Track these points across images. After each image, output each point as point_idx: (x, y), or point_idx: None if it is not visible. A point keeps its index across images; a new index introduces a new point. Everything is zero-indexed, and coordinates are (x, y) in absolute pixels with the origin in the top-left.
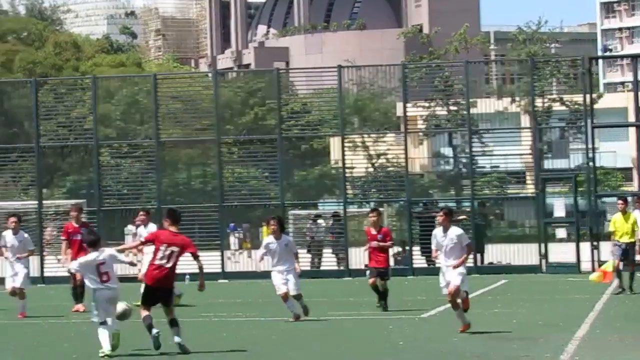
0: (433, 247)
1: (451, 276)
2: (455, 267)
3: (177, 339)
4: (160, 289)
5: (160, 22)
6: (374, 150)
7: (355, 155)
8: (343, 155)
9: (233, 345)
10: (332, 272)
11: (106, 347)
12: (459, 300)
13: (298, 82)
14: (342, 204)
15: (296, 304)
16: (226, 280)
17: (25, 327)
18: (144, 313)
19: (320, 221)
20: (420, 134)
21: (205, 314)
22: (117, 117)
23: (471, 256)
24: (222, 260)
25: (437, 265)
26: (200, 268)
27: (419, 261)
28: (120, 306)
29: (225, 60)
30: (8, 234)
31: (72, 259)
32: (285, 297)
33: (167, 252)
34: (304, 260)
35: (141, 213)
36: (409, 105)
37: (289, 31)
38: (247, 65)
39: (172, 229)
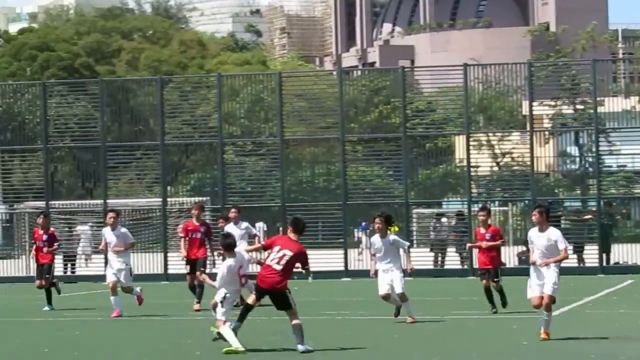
0: (530, 247)
1: (547, 281)
2: (545, 264)
3: (300, 348)
4: (269, 291)
5: (286, 20)
6: (499, 148)
7: (480, 154)
8: (468, 153)
9: (356, 343)
10: (455, 271)
11: (235, 343)
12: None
13: (423, 80)
14: (466, 202)
15: (398, 300)
16: (349, 279)
17: (149, 324)
18: (250, 299)
19: (443, 220)
20: (546, 132)
21: (328, 312)
22: (242, 115)
23: (595, 255)
24: (346, 258)
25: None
26: (307, 270)
27: None
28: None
29: (350, 59)
30: (107, 230)
31: (188, 257)
32: (387, 297)
33: (279, 255)
34: (427, 259)
35: (233, 210)
36: (535, 103)
37: (414, 29)
38: (372, 64)
39: (292, 236)
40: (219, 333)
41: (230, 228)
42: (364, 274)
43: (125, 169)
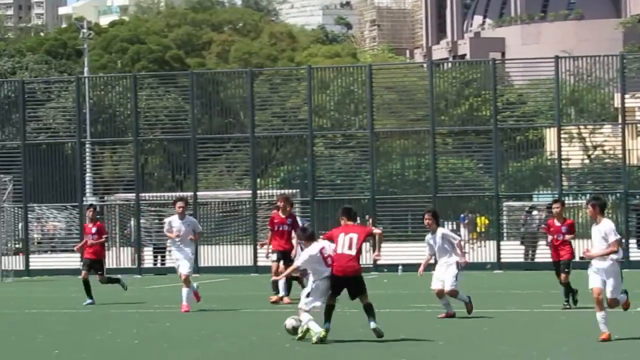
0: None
1: (610, 281)
2: (587, 256)
3: (372, 324)
4: (346, 278)
5: (376, 13)
6: (591, 141)
7: (571, 146)
8: (559, 146)
9: (446, 336)
10: (546, 265)
11: (318, 329)
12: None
13: (514, 72)
14: (557, 195)
15: (450, 300)
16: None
17: (238, 316)
18: (329, 301)
19: (534, 213)
20: (638, 125)
21: (417, 304)
22: (332, 108)
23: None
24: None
25: None
26: (380, 237)
27: (635, 254)
28: (290, 322)
29: (440, 51)
30: (175, 219)
31: (275, 250)
32: (440, 294)
33: (347, 239)
34: (518, 252)
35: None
36: (627, 96)
37: (505, 21)
38: (463, 56)
39: (349, 223)
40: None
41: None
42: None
43: (215, 161)
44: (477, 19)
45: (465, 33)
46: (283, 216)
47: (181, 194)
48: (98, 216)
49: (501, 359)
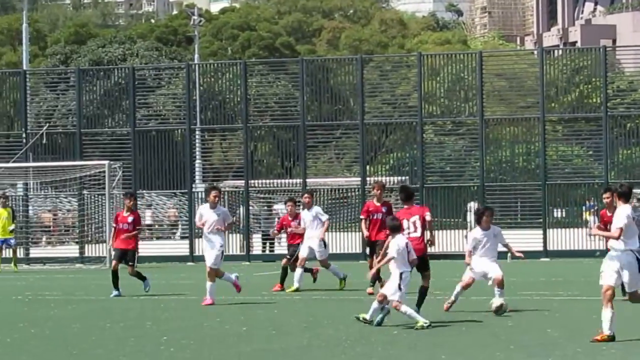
0: None
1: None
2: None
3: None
4: (419, 258)
5: (487, 0)
6: None
7: None
8: None
9: (554, 323)
10: None
11: (422, 319)
12: None
13: (625, 60)
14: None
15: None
16: (547, 259)
17: (345, 303)
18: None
19: None
20: None
21: (526, 292)
22: (442, 95)
23: None
24: (545, 238)
25: None
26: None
27: None
28: (499, 301)
29: (551, 38)
30: (206, 208)
31: (369, 239)
32: (469, 285)
33: (411, 223)
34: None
35: (306, 195)
36: None
37: (616, 8)
38: (573, 43)
39: (407, 205)
40: (364, 319)
41: (303, 214)
42: (565, 254)
43: (325, 148)
44: (588, 6)
45: (576, 20)
46: (378, 204)
47: (290, 180)
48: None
49: (611, 348)
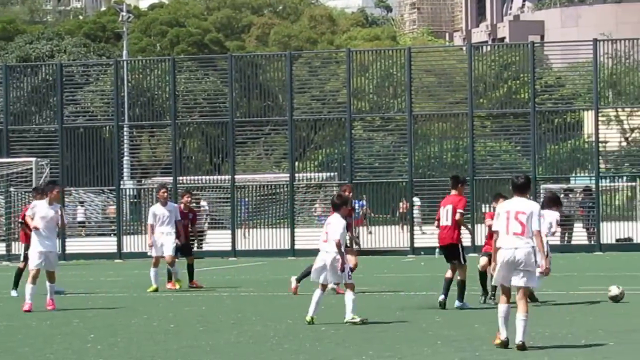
0: None
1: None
2: None
3: (457, 304)
4: (446, 246)
5: None
6: (628, 124)
7: (609, 129)
8: (596, 129)
9: (480, 319)
10: (582, 247)
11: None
12: None
13: (552, 55)
14: (594, 178)
15: None
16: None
17: (273, 299)
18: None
19: (571, 195)
20: None
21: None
22: (371, 91)
23: None
24: (473, 233)
25: None
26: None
27: None
28: (615, 290)
29: (479, 34)
30: (157, 206)
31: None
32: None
33: (444, 212)
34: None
35: (163, 190)
36: None
37: (544, 4)
38: (502, 39)
39: (452, 192)
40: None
41: (157, 208)
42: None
43: (253, 145)
44: (517, 2)
45: (504, 16)
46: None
47: (219, 177)
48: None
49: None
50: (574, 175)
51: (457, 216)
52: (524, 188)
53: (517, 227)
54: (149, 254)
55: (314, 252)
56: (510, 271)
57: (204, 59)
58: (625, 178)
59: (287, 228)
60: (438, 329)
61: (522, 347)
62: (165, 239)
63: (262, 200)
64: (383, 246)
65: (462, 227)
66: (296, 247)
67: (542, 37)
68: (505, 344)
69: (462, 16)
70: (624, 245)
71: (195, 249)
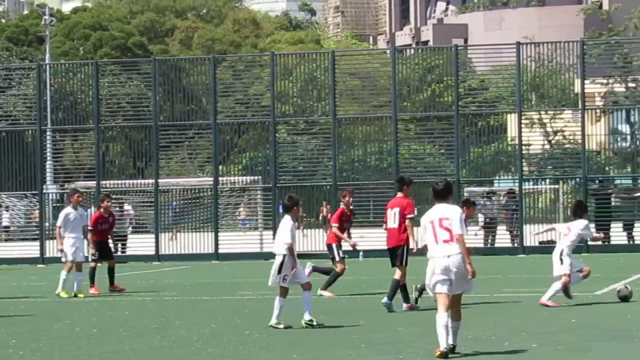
0: None
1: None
2: None
3: (384, 300)
4: (393, 248)
5: None
6: (551, 127)
7: (532, 132)
8: (520, 132)
9: (406, 321)
10: (506, 250)
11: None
12: None
13: (476, 58)
14: (517, 181)
15: None
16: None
17: (198, 303)
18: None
19: (494, 198)
20: (598, 110)
21: (376, 291)
22: (295, 94)
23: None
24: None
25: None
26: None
27: None
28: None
29: (403, 37)
30: (69, 210)
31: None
32: None
33: (392, 214)
34: (478, 237)
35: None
36: (587, 82)
37: (468, 8)
38: (426, 42)
39: (399, 194)
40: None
41: (69, 212)
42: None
43: (177, 149)
44: (440, 6)
45: (428, 19)
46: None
47: (143, 181)
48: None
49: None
50: (497, 178)
51: (407, 222)
52: (444, 194)
53: (445, 235)
54: (63, 260)
55: (238, 256)
56: (447, 279)
57: (128, 62)
58: (548, 181)
59: (211, 232)
60: (362, 332)
61: (452, 349)
62: (78, 244)
63: (187, 204)
64: (306, 249)
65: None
66: (220, 251)
67: (466, 41)
68: (445, 355)
69: (386, 19)
70: (547, 247)
71: (117, 253)
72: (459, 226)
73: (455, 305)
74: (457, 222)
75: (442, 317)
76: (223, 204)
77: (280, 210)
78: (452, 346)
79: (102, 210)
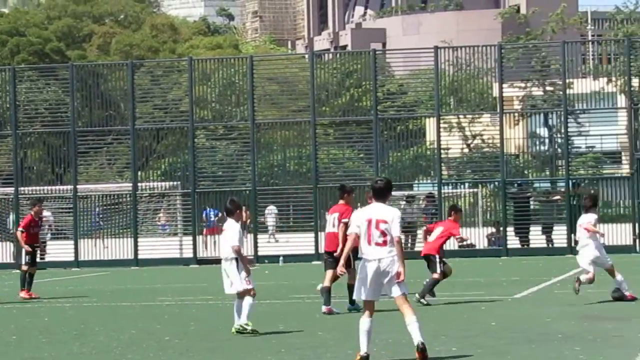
0: None
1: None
2: None
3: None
4: (333, 252)
5: (258, 4)
6: (470, 130)
7: (451, 136)
8: (438, 136)
9: (324, 326)
10: None
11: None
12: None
13: (394, 63)
14: (437, 184)
15: None
16: (320, 262)
17: (118, 309)
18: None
19: (413, 202)
20: (516, 114)
21: (297, 295)
22: (213, 99)
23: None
24: (317, 241)
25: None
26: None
27: (513, 242)
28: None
29: (322, 42)
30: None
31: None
32: None
33: (331, 219)
34: None
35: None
36: (505, 85)
37: (386, 12)
38: (344, 47)
39: (340, 201)
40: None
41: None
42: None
43: (96, 154)
44: (359, 10)
45: (346, 24)
46: None
47: (61, 187)
48: None
49: (383, 349)
50: (416, 182)
51: (341, 226)
52: (384, 192)
53: (379, 237)
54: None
55: (158, 262)
56: (379, 284)
57: (45, 68)
58: (467, 184)
59: (131, 238)
60: (282, 337)
61: (423, 347)
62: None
63: (106, 210)
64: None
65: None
66: (140, 256)
67: (384, 45)
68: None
69: (305, 24)
70: (467, 251)
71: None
72: (398, 229)
73: (402, 304)
74: (396, 225)
75: (364, 322)
76: (142, 209)
77: (204, 216)
78: (421, 343)
79: (32, 214)
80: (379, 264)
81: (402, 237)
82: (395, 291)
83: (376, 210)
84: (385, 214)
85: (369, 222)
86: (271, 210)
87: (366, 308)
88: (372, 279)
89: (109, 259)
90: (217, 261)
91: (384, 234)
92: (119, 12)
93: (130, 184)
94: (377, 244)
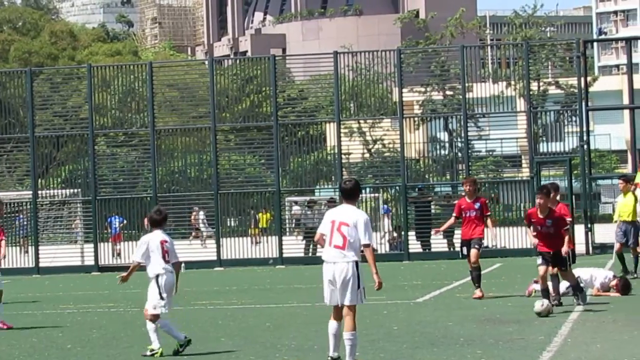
0: None
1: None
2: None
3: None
4: None
5: (157, 10)
6: (370, 135)
7: (352, 141)
8: (339, 141)
9: (226, 332)
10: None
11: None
12: None
13: (295, 68)
14: (338, 189)
15: None
16: (222, 268)
17: (19, 317)
18: None
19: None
20: (416, 119)
21: (200, 301)
22: (113, 106)
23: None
24: (218, 247)
25: (432, 250)
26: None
27: (414, 246)
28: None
29: (221, 48)
30: None
31: (463, 238)
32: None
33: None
34: (299, 247)
35: None
36: (405, 90)
37: (285, 18)
38: (244, 53)
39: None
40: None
41: None
42: (239, 262)
43: None
44: (258, 16)
45: (246, 30)
46: (469, 201)
47: None
48: None
49: (285, 354)
50: (318, 187)
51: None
52: (352, 193)
53: (338, 240)
54: None
55: (58, 270)
56: (333, 289)
57: None
58: (368, 189)
59: (31, 246)
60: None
61: None
62: None
63: (6, 218)
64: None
65: None
66: (41, 265)
67: (284, 51)
68: None
69: (204, 30)
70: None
71: None
72: (365, 235)
73: (346, 314)
74: (362, 230)
75: (331, 325)
76: (43, 217)
77: (107, 223)
78: (337, 357)
79: None
80: (333, 267)
81: (371, 242)
82: (347, 300)
83: (342, 212)
84: (349, 217)
85: (333, 223)
86: (200, 216)
87: (332, 311)
88: (328, 283)
89: (9, 267)
90: (120, 268)
91: (343, 237)
92: (17, 19)
93: (31, 192)
94: (336, 246)
